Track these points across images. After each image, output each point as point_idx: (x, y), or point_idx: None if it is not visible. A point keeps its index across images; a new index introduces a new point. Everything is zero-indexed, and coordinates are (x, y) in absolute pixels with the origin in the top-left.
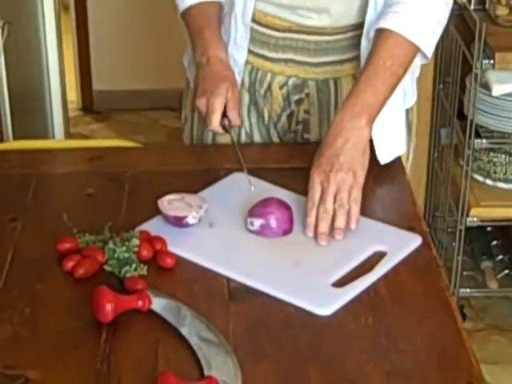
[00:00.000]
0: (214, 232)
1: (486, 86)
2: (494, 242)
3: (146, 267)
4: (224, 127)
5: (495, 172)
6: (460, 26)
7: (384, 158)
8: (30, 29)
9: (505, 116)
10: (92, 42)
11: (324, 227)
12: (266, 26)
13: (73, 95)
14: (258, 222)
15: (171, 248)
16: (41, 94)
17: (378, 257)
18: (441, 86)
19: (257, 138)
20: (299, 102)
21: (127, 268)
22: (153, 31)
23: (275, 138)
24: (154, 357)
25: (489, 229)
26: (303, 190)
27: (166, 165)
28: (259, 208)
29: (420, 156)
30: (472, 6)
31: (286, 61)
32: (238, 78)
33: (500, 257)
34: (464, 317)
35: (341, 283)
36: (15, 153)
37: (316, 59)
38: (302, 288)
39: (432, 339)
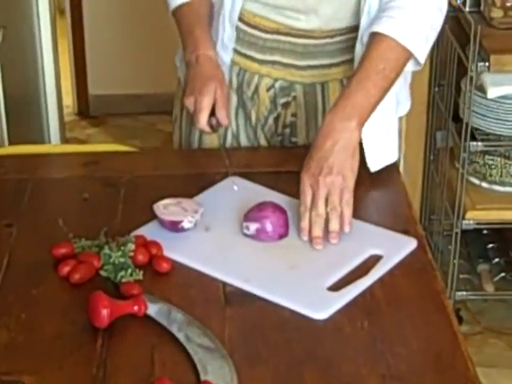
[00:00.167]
0: (210, 236)
1: (482, 89)
2: (491, 245)
3: (141, 272)
4: (211, 126)
5: (491, 175)
6: (455, 28)
7: (374, 165)
8: (25, 33)
9: (500, 118)
10: (88, 46)
11: (318, 231)
12: (255, 27)
13: (69, 100)
14: (253, 227)
15: (167, 253)
16: (36, 99)
17: (374, 260)
18: (436, 89)
19: (243, 140)
20: (286, 105)
21: (123, 273)
22: (148, 35)
23: (262, 141)
24: (150, 362)
25: (485, 232)
26: (298, 194)
27: (162, 169)
28: (255, 212)
29: (416, 159)
30: (467, 9)
31: (273, 63)
32: (226, 77)
33: (496, 260)
34: (460, 320)
35: (336, 287)
36: (11, 158)
37: (303, 62)
38: (297, 292)
39: (428, 342)
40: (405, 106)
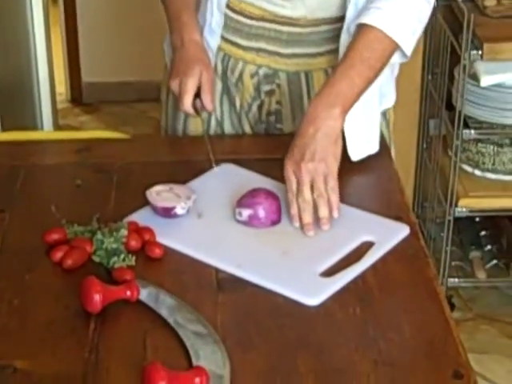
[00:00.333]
0: (203, 222)
1: (475, 77)
2: (483, 233)
3: (134, 258)
4: (196, 109)
5: (484, 162)
6: (448, 16)
7: (356, 155)
8: (18, 21)
9: (493, 107)
10: (80, 34)
11: (307, 218)
12: (240, 14)
13: (62, 87)
14: (246, 213)
15: (159, 239)
16: (29, 86)
17: (366, 247)
18: (429, 77)
19: (227, 127)
20: (270, 93)
21: (115, 259)
22: (141, 23)
23: (247, 128)
24: (142, 347)
25: (477, 219)
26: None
27: (154, 156)
28: (247, 198)
29: (409, 147)
30: None
31: (258, 50)
32: (212, 62)
33: (488, 247)
34: (452, 307)
35: (329, 273)
36: (3, 144)
37: (288, 50)
38: (290, 278)
39: (420, 328)
40: (390, 99)
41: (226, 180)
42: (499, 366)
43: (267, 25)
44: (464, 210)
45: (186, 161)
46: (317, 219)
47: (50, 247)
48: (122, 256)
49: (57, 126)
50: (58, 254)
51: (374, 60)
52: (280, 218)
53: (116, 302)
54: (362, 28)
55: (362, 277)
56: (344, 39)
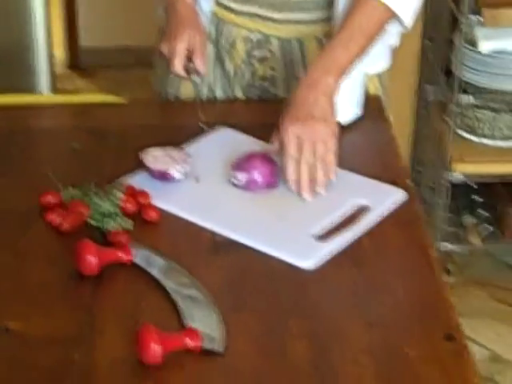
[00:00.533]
0: (199, 186)
1: (474, 43)
2: (478, 199)
3: (130, 221)
4: (188, 72)
5: (481, 128)
6: None
7: (344, 118)
8: None
9: (492, 72)
10: None
11: (306, 180)
12: None
13: (59, 52)
14: (242, 177)
15: (155, 202)
16: (27, 51)
17: (362, 211)
18: (428, 43)
19: (219, 92)
20: (263, 59)
21: (111, 222)
22: None
23: (239, 94)
24: (136, 309)
25: (472, 185)
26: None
27: (151, 120)
28: (244, 162)
29: (406, 112)
30: None
31: (251, 15)
32: (205, 26)
33: (483, 213)
34: (447, 272)
35: (325, 237)
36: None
37: (280, 15)
38: (285, 242)
39: (413, 292)
40: (379, 63)
41: (222, 144)
42: (490, 329)
43: None
44: (460, 175)
45: (181, 125)
46: (312, 182)
47: (46, 210)
48: (118, 219)
49: (55, 90)
50: (53, 217)
51: (371, 29)
52: (276, 182)
53: (111, 265)
54: None
55: (357, 240)
56: (338, 7)
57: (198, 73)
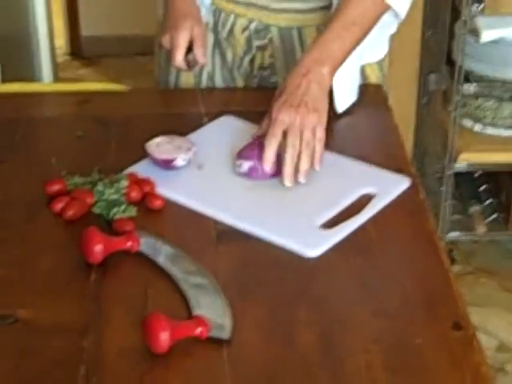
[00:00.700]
0: (202, 174)
1: (475, 32)
2: (483, 187)
3: (135, 208)
4: (188, 64)
5: (484, 117)
6: None
7: (340, 106)
8: None
9: (494, 61)
10: None
11: (290, 166)
12: None
13: (61, 41)
14: (246, 165)
15: (159, 190)
16: (29, 40)
17: (367, 199)
18: (430, 31)
19: (219, 81)
20: (263, 48)
21: (116, 210)
22: None
23: (239, 82)
24: (143, 297)
25: (477, 174)
26: None
27: (154, 108)
28: (248, 150)
29: (409, 102)
30: None
31: (248, 4)
32: (205, 18)
33: (488, 201)
34: (452, 260)
35: (329, 225)
36: (3, 97)
37: (278, 5)
38: (290, 230)
39: (420, 281)
40: (376, 52)
41: (226, 132)
42: (497, 318)
43: None
44: (464, 164)
45: (184, 113)
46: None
47: (51, 198)
48: (123, 207)
49: (57, 79)
50: (58, 205)
51: (366, 20)
52: (280, 170)
53: (117, 253)
54: None
55: (362, 229)
56: None
57: (198, 64)
